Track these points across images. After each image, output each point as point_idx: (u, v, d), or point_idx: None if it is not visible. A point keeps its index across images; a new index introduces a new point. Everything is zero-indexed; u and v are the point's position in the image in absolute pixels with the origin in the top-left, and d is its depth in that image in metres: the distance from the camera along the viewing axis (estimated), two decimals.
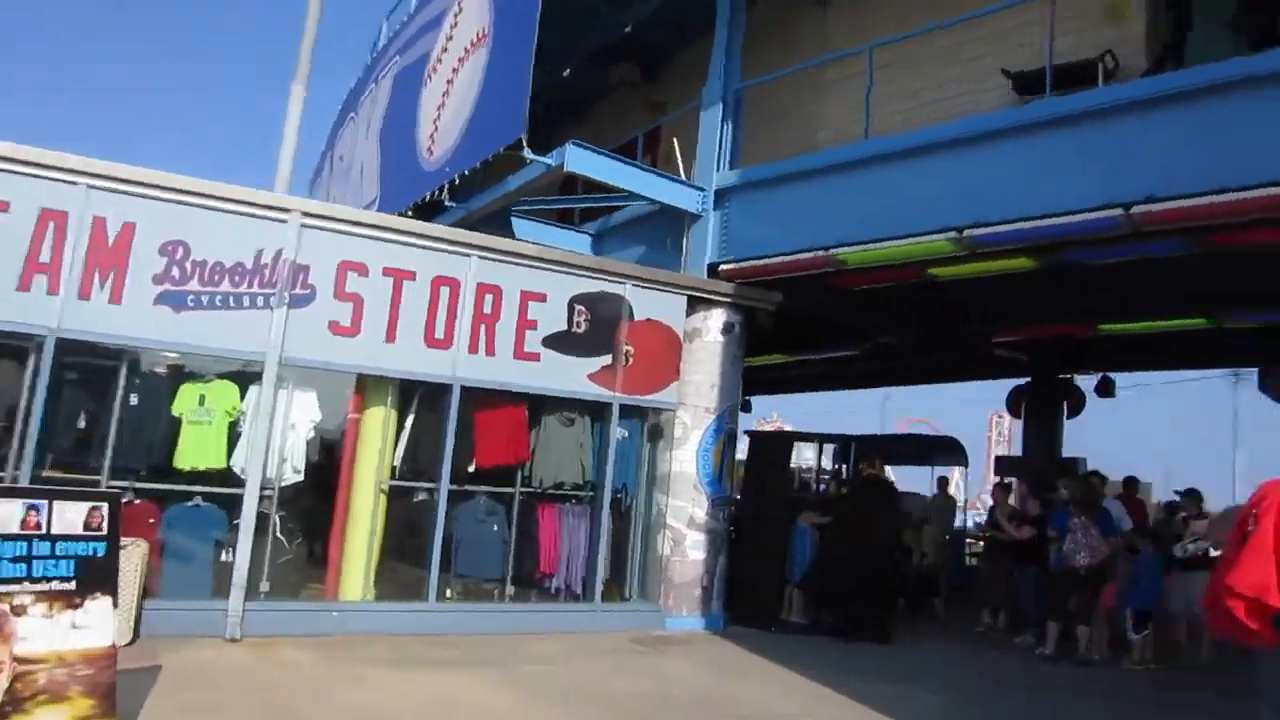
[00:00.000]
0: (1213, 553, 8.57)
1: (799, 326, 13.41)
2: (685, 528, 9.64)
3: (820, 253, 9.36)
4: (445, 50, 11.51)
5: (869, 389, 24.87)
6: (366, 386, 8.44)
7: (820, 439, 10.58)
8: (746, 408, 21.35)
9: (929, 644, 9.78)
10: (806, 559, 10.18)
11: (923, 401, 65.33)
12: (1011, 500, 10.93)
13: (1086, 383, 16.58)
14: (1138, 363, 16.61)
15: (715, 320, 10.01)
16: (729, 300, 10.03)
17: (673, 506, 9.68)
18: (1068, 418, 16.42)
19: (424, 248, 8.41)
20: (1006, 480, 12.51)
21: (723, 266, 10.17)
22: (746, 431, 12.08)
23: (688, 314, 9.89)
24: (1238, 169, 6.90)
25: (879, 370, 18.95)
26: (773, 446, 10.63)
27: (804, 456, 13.06)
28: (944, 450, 16.11)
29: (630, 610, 9.42)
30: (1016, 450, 14.58)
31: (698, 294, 9.93)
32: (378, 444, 8.44)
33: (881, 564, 9.80)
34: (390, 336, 8.21)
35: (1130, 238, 8.18)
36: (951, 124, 8.65)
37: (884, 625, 9.61)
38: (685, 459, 9.73)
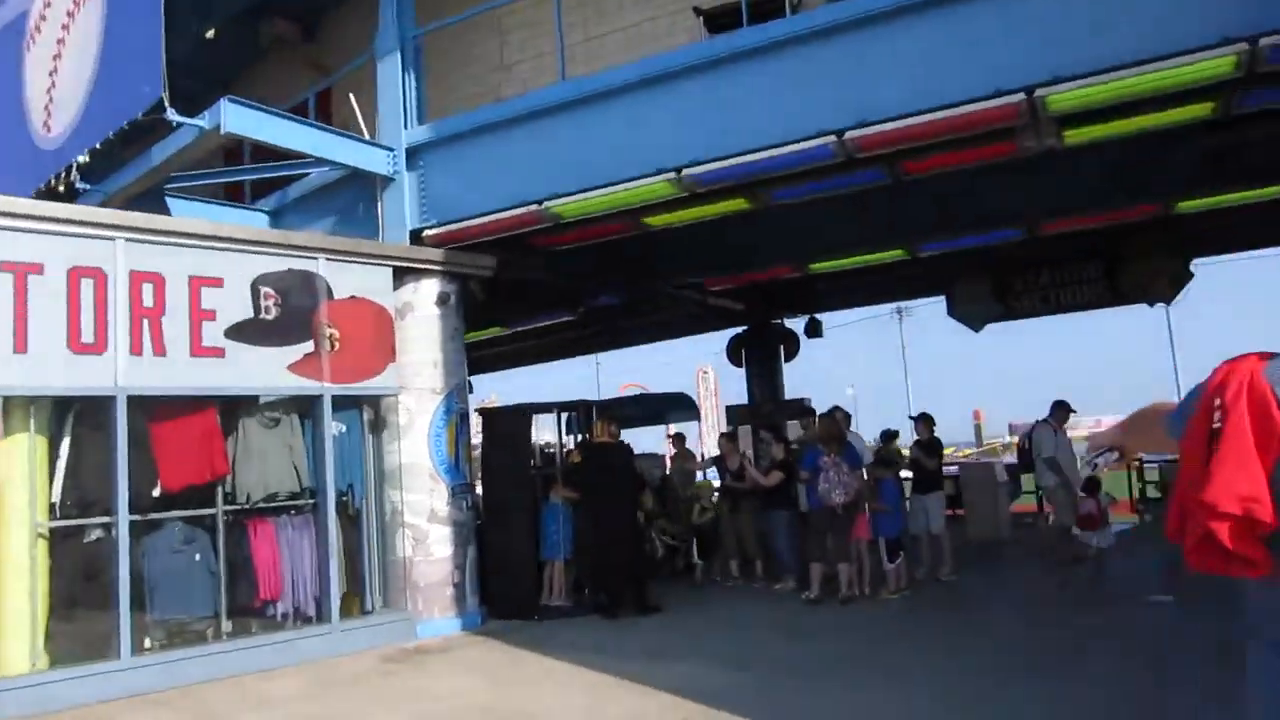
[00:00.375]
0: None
1: (512, 296, 12.72)
2: (426, 523, 8.64)
3: (532, 207, 8.66)
4: (48, 5, 9.52)
5: (583, 356, 24.37)
6: None
7: (559, 408, 9.88)
8: (468, 389, 20.42)
9: (694, 606, 9.43)
10: (562, 537, 9.52)
11: (630, 366, 67.22)
12: (746, 449, 10.90)
13: (799, 326, 17.24)
14: (843, 301, 17.50)
15: (427, 291, 9.03)
16: (439, 268, 9.08)
17: (409, 502, 8.64)
18: (785, 361, 16.98)
19: (50, 233, 6.75)
20: (737, 429, 12.58)
21: (427, 232, 9.18)
22: (477, 410, 11.19)
23: (395, 287, 8.84)
24: (937, 91, 7.02)
25: (594, 336, 18.71)
26: (510, 422, 9.81)
27: (547, 431, 12.43)
28: (676, 406, 16.11)
29: (376, 624, 8.29)
30: (727, 405, 14.81)
31: (403, 264, 8.89)
32: (26, 479, 6.71)
33: (628, 531, 9.32)
34: (19, 345, 6.53)
35: (838, 169, 8.25)
36: (642, 62, 8.26)
37: (644, 595, 9.17)
38: (415, 448, 8.71)
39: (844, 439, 9.22)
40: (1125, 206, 10.83)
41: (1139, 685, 5.64)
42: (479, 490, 9.86)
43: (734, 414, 14.57)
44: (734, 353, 17.08)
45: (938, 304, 15.65)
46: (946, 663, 6.40)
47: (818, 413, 11.92)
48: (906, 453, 11.43)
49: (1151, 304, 14.19)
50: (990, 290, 14.95)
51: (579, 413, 9.79)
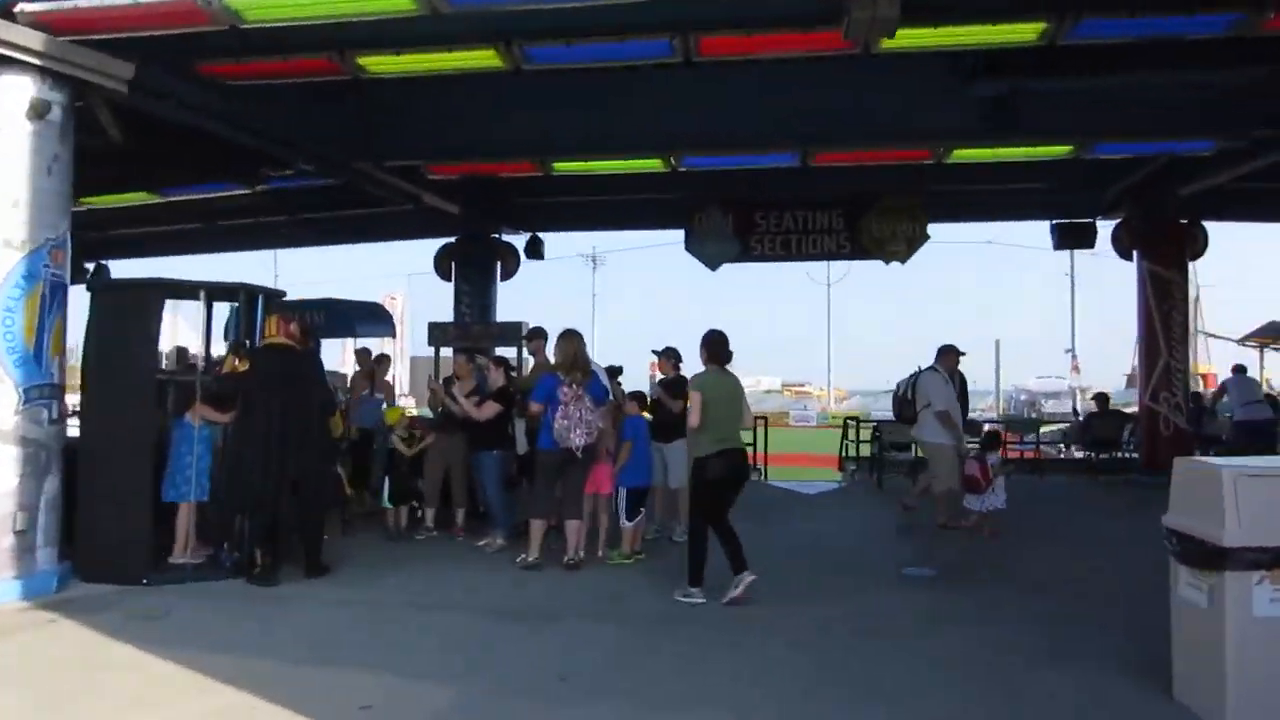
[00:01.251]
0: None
1: (169, 149, 9.61)
2: None
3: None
4: None
5: (257, 250, 19.81)
6: None
7: (209, 291, 7.15)
8: (88, 265, 16.20)
9: (379, 569, 7.25)
10: (198, 471, 6.92)
11: (312, 279, 61.97)
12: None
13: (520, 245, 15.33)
14: (574, 219, 15.72)
15: (11, 94, 6.00)
16: (37, 62, 6.08)
17: None
18: (502, 280, 14.96)
19: None
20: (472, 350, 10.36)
21: (23, 6, 6.10)
22: (89, 283, 8.10)
23: None
24: None
25: (275, 228, 15.52)
26: (128, 304, 6.86)
27: (190, 329, 9.47)
28: (369, 318, 13.54)
29: None
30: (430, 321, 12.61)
31: None
32: None
33: (310, 468, 6.95)
34: None
35: (613, 30, 6.84)
36: None
37: (314, 553, 6.91)
38: None
39: (589, 367, 7.42)
40: (905, 145, 9.95)
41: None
42: (74, 400, 6.98)
43: (437, 332, 12.36)
44: (443, 263, 14.74)
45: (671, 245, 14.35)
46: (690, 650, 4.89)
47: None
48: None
49: (887, 261, 13.77)
50: (731, 228, 13.87)
51: (244, 302, 7.12)
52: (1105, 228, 14.41)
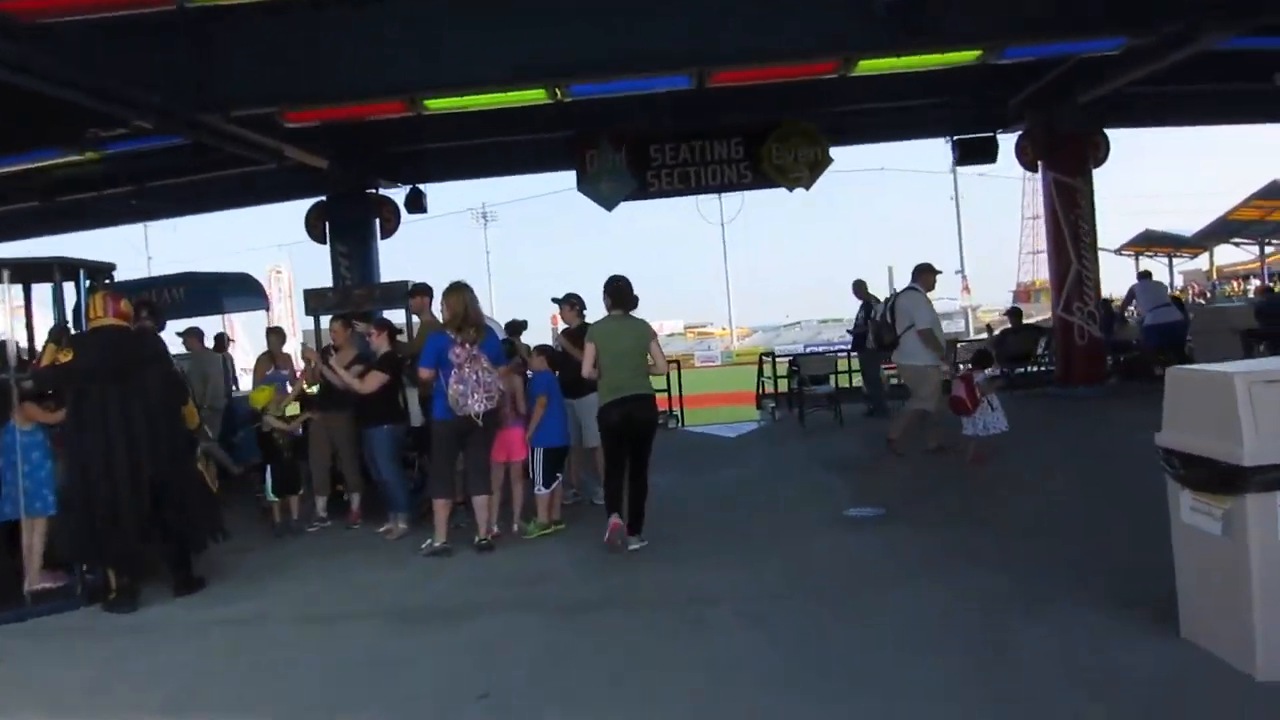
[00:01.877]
0: None
1: None
2: None
3: None
4: None
5: (108, 227, 17.47)
6: None
7: (13, 269, 5.95)
8: None
9: (263, 576, 6.31)
10: (38, 482, 5.82)
11: (181, 256, 58.60)
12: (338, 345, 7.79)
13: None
14: (453, 166, 14.58)
15: None
16: None
17: None
18: (383, 237, 13.79)
19: None
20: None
21: None
22: None
23: None
24: None
25: (124, 199, 13.93)
26: None
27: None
28: (238, 290, 12.27)
29: None
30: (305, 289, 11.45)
31: None
32: None
33: (165, 467, 5.85)
34: None
35: None
36: None
37: (183, 565, 5.91)
38: None
39: (482, 323, 6.54)
40: (809, 58, 9.22)
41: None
42: None
43: (314, 299, 11.19)
44: (314, 224, 13.47)
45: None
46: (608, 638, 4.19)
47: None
48: None
49: (790, 188, 13.16)
50: (625, 163, 13.03)
51: (58, 280, 5.94)
52: (1006, 142, 14.18)
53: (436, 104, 9.68)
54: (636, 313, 6.36)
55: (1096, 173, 13.09)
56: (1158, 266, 31.66)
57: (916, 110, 13.64)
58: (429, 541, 6.42)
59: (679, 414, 13.42)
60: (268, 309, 14.33)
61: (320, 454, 7.78)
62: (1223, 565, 3.54)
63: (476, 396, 6.14)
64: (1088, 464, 8.05)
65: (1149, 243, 29.30)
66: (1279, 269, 36.84)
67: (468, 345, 6.21)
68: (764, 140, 13.08)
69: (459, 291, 6.41)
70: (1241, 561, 3.43)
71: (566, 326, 7.97)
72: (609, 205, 13.25)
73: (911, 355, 8.75)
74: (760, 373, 14.32)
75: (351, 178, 13.20)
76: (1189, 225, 29.23)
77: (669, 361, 7.94)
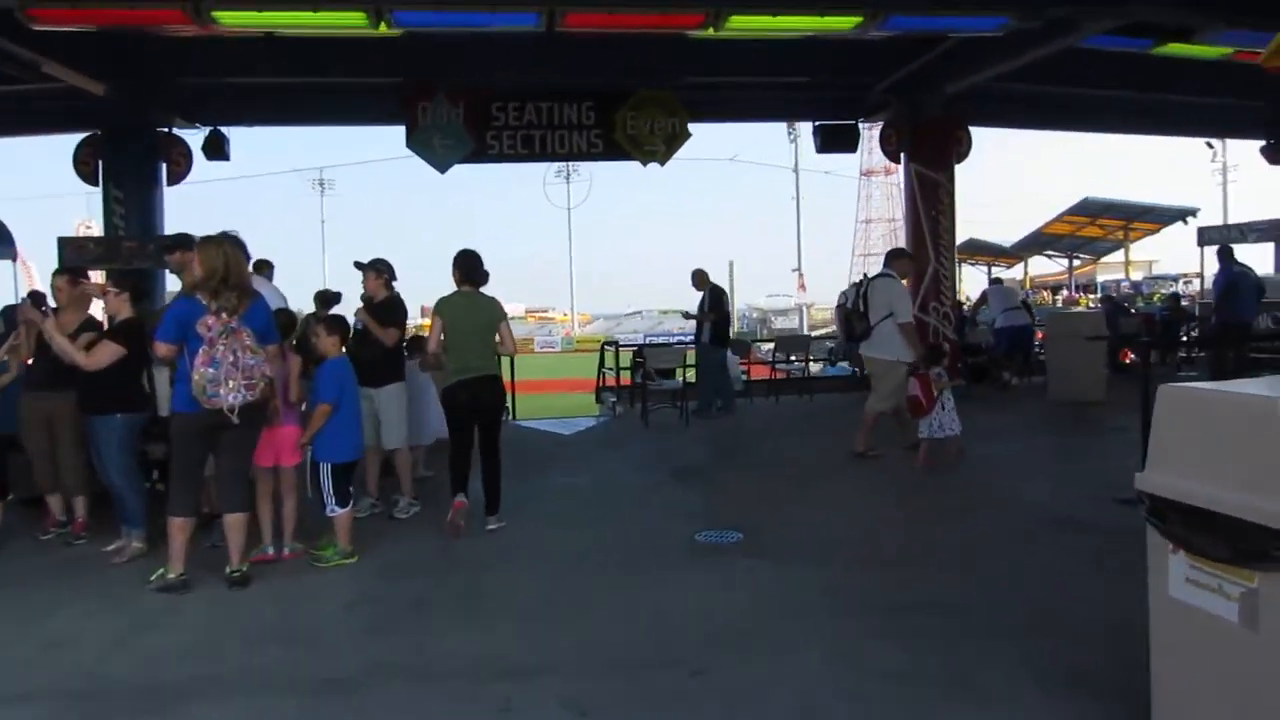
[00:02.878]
0: None
1: None
2: None
3: None
4: None
5: None
6: None
7: None
8: None
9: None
10: None
11: None
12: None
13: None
14: (274, 111, 12.64)
15: None
16: None
17: None
18: (170, 184, 11.74)
19: None
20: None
21: None
22: None
23: None
24: None
25: None
26: None
27: None
28: None
29: None
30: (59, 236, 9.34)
31: None
32: None
33: None
34: None
35: None
36: None
37: None
38: None
39: (247, 285, 4.99)
40: (682, 3, 8.07)
41: None
42: None
43: (71, 250, 9.17)
44: (83, 162, 11.28)
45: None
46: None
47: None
48: None
49: (644, 162, 12.02)
50: (463, 119, 11.54)
51: None
52: (867, 134, 13.59)
53: (229, 18, 7.93)
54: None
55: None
56: (976, 275, 32.87)
57: (780, 90, 12.82)
58: (160, 571, 4.84)
59: (511, 405, 12.07)
60: (14, 259, 11.97)
61: (37, 446, 5.99)
62: (1236, 663, 2.57)
63: (232, 384, 4.61)
64: (967, 480, 7.27)
65: (972, 250, 30.20)
66: (1083, 281, 39.23)
67: (224, 315, 4.67)
68: (618, 107, 11.89)
69: (217, 244, 4.83)
70: (1268, 660, 2.46)
71: (370, 297, 6.54)
72: (442, 166, 11.71)
73: (883, 348, 7.88)
74: (601, 362, 13.16)
75: (134, 110, 11.10)
76: (1006, 236, 30.56)
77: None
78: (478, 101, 11.62)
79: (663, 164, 12.07)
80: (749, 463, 8.39)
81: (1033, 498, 6.48)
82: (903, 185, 12.46)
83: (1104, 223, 26.19)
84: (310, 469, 5.40)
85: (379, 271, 6.42)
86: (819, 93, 12.87)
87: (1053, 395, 11.42)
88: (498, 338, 5.88)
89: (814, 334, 29.81)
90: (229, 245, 4.85)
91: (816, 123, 13.34)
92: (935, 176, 12.13)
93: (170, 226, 11.42)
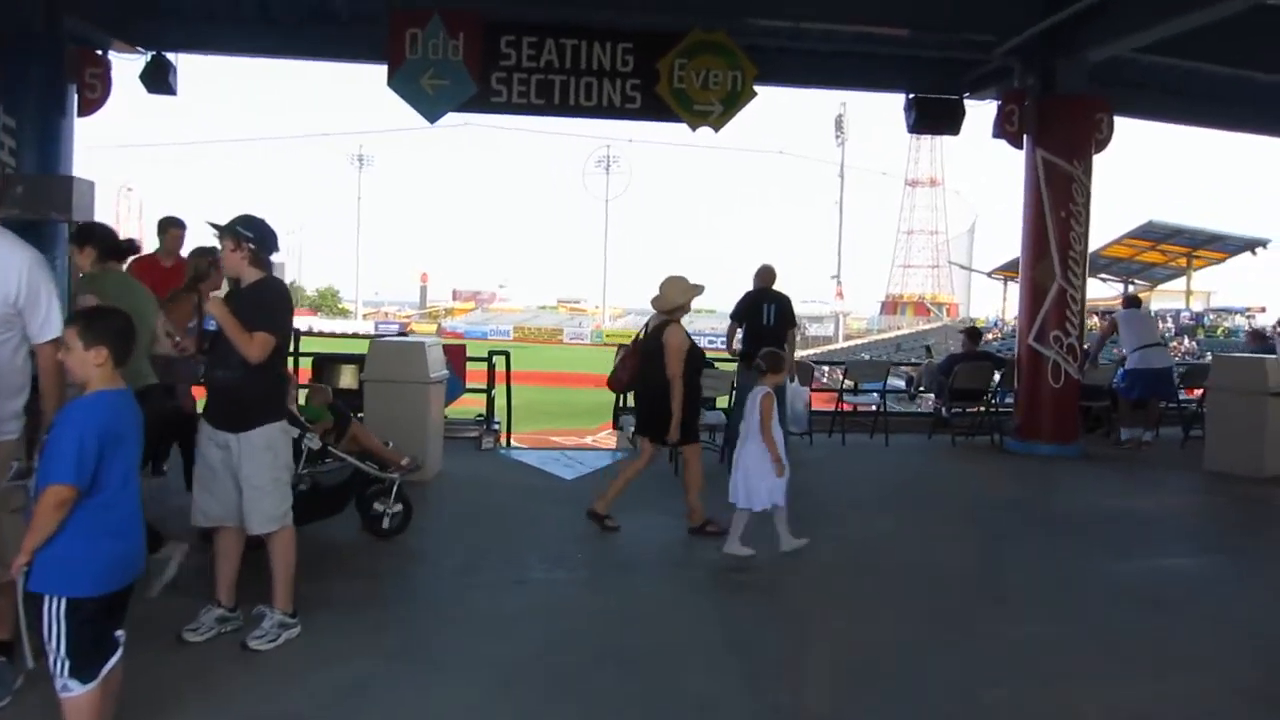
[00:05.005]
0: None
1: None
2: None
3: None
4: None
5: None
6: None
7: None
8: None
9: None
10: None
11: None
12: None
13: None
14: (232, 41, 10.10)
15: None
16: None
17: None
18: (81, 114, 9.22)
19: None
20: None
21: None
22: None
23: None
24: None
25: None
26: None
27: None
28: None
29: None
30: None
31: None
32: None
33: None
34: None
35: None
36: None
37: None
38: None
39: None
40: None
41: None
42: None
43: None
44: None
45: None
46: None
47: None
48: None
49: (694, 126, 9.35)
50: (462, 54, 8.92)
51: None
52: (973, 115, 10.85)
53: None
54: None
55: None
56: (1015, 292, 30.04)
57: (871, 44, 10.13)
58: None
59: (504, 421, 9.46)
60: None
61: None
62: None
63: None
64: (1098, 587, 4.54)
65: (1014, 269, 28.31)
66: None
67: None
68: (665, 51, 9.21)
69: None
70: None
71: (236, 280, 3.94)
72: (431, 113, 9.08)
73: None
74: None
75: (36, 15, 8.58)
76: None
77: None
78: (484, 32, 8.99)
79: (717, 130, 9.39)
80: (845, 561, 5.65)
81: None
82: (1024, 176, 9.64)
83: (1166, 248, 24.87)
84: (27, 602, 2.78)
85: (239, 239, 3.77)
86: (919, 50, 10.16)
87: (1210, 464, 8.66)
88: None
89: (848, 342, 27.21)
90: None
91: (911, 95, 10.62)
92: (1069, 168, 9.33)
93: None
